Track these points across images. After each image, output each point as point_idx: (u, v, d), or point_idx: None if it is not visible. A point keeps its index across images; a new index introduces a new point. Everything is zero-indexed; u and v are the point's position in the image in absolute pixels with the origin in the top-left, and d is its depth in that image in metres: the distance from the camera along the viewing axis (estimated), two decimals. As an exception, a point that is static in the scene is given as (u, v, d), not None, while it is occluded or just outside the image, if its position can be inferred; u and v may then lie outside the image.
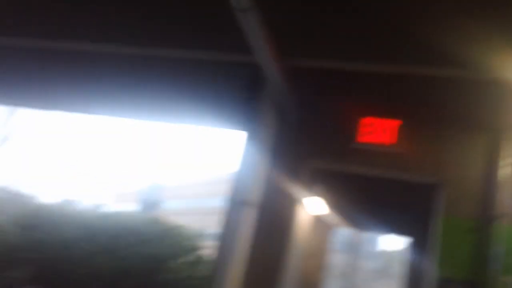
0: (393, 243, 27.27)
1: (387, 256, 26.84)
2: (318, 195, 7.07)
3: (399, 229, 7.14)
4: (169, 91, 5.58)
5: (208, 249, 7.11)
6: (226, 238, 4.81)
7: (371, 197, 6.14)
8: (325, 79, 5.26)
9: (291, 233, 5.00)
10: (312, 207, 7.42)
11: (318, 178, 6.55)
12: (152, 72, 5.71)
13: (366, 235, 25.38)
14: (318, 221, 7.93)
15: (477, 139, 4.74)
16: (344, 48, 4.98)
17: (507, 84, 4.63)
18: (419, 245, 6.71)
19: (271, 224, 4.98)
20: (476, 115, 4.79)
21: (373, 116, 4.93)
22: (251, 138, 5.07)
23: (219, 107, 5.32)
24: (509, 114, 4.70)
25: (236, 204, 4.92)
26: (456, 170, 4.70)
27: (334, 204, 7.04)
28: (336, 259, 21.93)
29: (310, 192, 6.91)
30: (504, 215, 4.41)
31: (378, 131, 4.87)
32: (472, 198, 4.59)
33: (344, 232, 21.86)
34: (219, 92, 5.39)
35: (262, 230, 4.94)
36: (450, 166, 4.72)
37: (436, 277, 4.47)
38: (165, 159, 62.38)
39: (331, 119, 5.17)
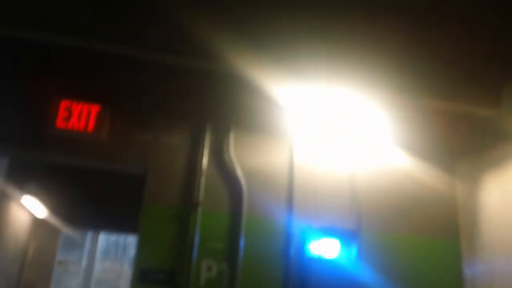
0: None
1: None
2: (34, 194, 6.27)
3: (128, 226, 6.81)
4: None
5: None
6: None
7: (84, 191, 5.67)
8: (21, 52, 4.53)
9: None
10: (29, 207, 6.52)
11: (31, 173, 5.79)
12: None
13: (128, 239, 24.74)
14: (42, 224, 7.08)
15: (181, 128, 4.74)
16: (40, 15, 4.28)
17: (215, 75, 4.71)
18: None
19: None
20: (183, 104, 4.79)
21: (71, 99, 4.46)
22: None
23: None
24: (214, 105, 4.84)
25: None
26: (159, 159, 4.61)
27: (55, 203, 6.34)
28: (98, 266, 20.63)
29: (23, 189, 6.07)
30: (201, 202, 4.49)
31: (76, 116, 4.42)
32: (174, 187, 4.56)
33: (106, 237, 20.64)
34: None
35: None
36: (154, 155, 4.62)
37: (136, 269, 4.28)
38: None
39: (24, 99, 4.49)
